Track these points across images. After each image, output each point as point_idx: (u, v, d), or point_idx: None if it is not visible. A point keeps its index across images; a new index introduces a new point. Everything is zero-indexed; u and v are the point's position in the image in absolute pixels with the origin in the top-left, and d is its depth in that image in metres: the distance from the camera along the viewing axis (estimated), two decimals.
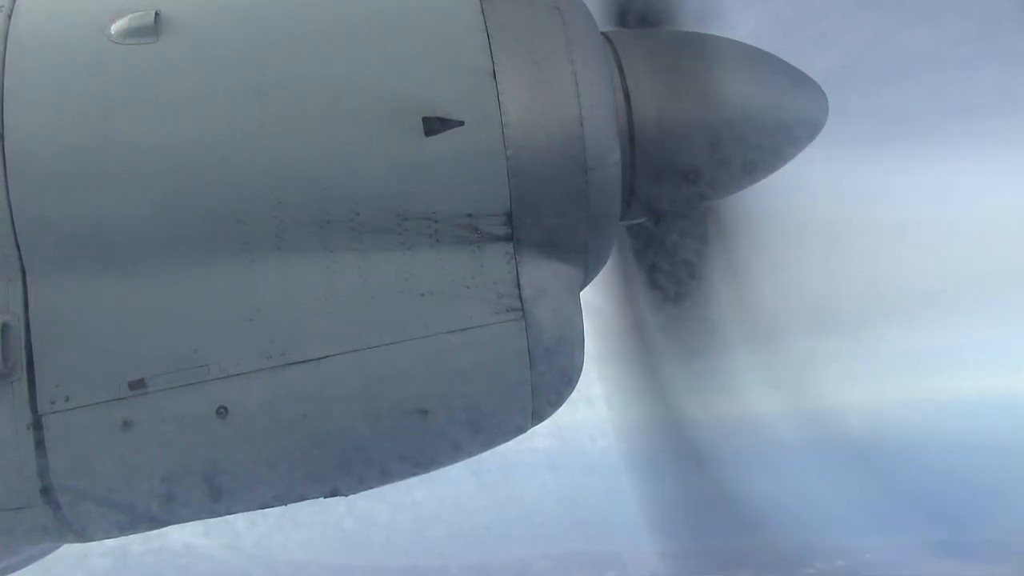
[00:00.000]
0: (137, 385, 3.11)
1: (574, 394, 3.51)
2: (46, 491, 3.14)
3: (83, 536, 3.34)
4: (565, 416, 3.54)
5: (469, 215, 3.19)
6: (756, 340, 3.95)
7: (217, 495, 3.23)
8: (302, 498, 3.38)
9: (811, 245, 4.11)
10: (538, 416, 3.41)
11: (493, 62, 3.17)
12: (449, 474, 3.64)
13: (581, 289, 3.53)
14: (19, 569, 4.05)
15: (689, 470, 4.03)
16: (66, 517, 3.20)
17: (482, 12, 3.22)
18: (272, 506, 3.40)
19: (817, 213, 4.14)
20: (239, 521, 3.59)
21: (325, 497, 3.39)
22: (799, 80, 3.89)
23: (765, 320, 3.96)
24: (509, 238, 3.24)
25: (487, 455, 3.55)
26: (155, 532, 3.44)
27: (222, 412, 3.13)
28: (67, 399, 3.12)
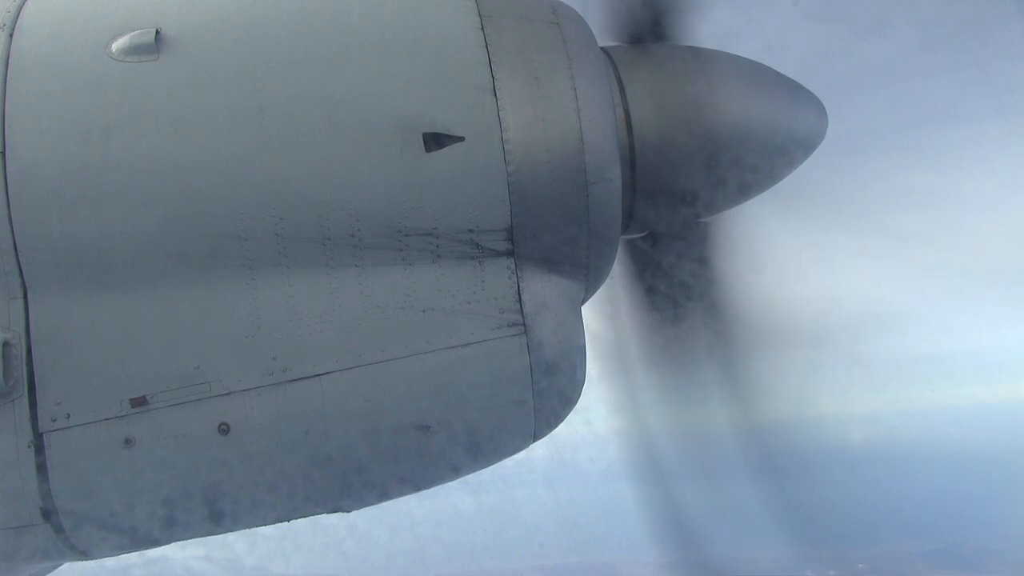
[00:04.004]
0: (139, 402, 3.11)
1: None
2: (47, 509, 3.13)
3: (85, 554, 3.32)
4: (561, 429, 3.54)
5: (470, 231, 3.20)
6: (751, 352, 3.96)
7: (218, 512, 3.22)
8: (304, 515, 3.37)
9: (801, 256, 4.12)
10: (538, 433, 3.42)
11: (493, 78, 3.19)
12: (445, 487, 3.63)
13: (582, 303, 3.54)
14: None
15: (687, 482, 4.04)
16: (67, 535, 3.19)
17: (482, 29, 3.23)
18: (273, 523, 3.39)
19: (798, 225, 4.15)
20: (240, 540, 3.58)
21: (327, 513, 3.38)
22: (798, 96, 3.91)
23: (761, 332, 3.97)
24: (510, 253, 3.25)
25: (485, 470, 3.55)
26: (156, 550, 3.42)
27: (224, 429, 3.12)
28: (68, 416, 3.11)
